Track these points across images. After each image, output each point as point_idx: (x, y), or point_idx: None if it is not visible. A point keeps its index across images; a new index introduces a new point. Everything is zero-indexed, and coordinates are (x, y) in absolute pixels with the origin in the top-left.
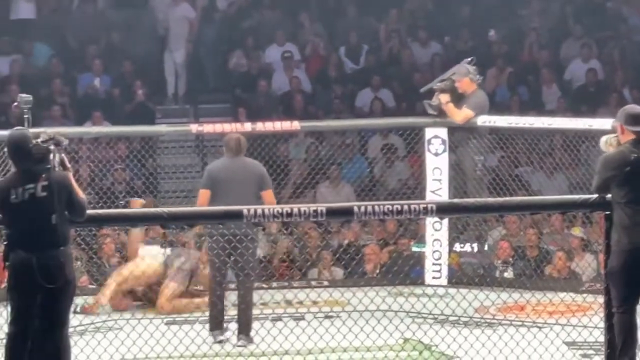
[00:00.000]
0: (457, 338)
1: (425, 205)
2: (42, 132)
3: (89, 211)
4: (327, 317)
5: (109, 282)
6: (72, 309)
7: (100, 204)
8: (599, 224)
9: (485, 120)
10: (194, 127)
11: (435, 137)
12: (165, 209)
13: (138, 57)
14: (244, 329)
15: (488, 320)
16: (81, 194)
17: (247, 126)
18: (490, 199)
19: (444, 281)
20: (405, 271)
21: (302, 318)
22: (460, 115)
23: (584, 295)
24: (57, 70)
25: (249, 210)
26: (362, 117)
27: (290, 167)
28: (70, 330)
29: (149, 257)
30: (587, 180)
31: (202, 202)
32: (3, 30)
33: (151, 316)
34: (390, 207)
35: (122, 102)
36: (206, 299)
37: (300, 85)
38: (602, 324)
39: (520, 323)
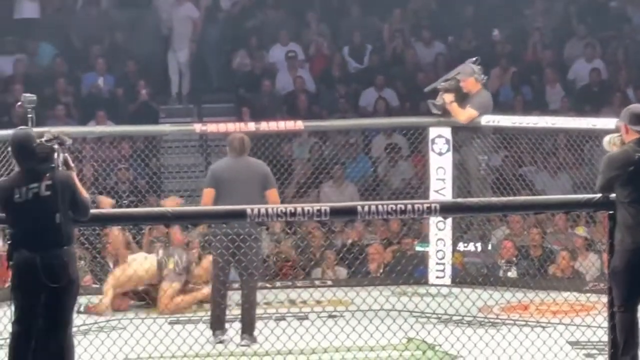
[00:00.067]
0: (460, 338)
1: (429, 205)
2: (46, 132)
3: (93, 210)
4: (330, 316)
5: (105, 288)
6: (75, 308)
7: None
8: (602, 223)
9: (489, 119)
10: (198, 127)
11: (439, 137)
12: (169, 208)
13: (142, 57)
14: (248, 329)
15: (492, 320)
16: (85, 194)
17: (251, 126)
18: (494, 199)
19: (447, 281)
20: (408, 271)
21: (306, 317)
22: (464, 115)
23: (588, 294)
24: (61, 69)
25: (252, 209)
26: (366, 116)
27: (293, 167)
28: (74, 329)
29: (142, 258)
30: (590, 179)
31: (207, 202)
32: (7, 29)
33: (154, 316)
34: (393, 207)
35: (125, 102)
36: (204, 291)
37: (304, 85)
38: (605, 324)
39: (523, 323)
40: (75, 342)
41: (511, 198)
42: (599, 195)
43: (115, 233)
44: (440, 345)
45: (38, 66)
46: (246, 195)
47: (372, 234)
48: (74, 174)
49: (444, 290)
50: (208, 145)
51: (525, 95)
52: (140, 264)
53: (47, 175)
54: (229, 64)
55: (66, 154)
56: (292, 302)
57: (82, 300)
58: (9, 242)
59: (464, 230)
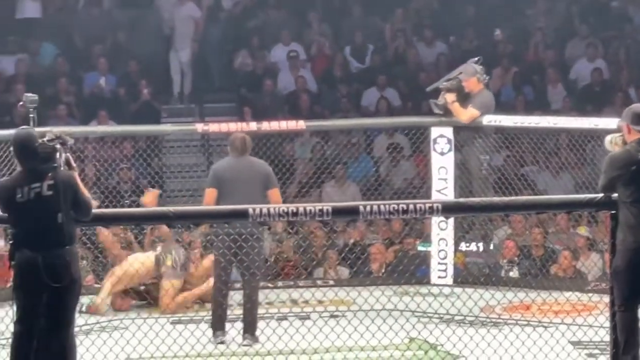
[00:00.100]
0: (462, 337)
1: (430, 205)
2: (48, 132)
3: (95, 210)
4: (332, 316)
5: (104, 284)
6: (77, 308)
7: (105, 203)
8: (604, 223)
9: (491, 119)
10: (200, 127)
11: (441, 137)
12: (172, 208)
13: (144, 57)
14: (250, 328)
15: (494, 320)
16: (87, 194)
17: (253, 125)
18: (496, 199)
19: (449, 280)
20: (410, 270)
21: (308, 317)
22: (465, 114)
23: (590, 294)
24: (63, 69)
25: (254, 209)
26: (368, 116)
27: (295, 167)
28: (76, 329)
29: (140, 256)
30: (592, 179)
31: (209, 202)
32: (9, 29)
33: (157, 315)
34: (396, 207)
35: (127, 102)
36: (203, 287)
37: (306, 84)
38: (607, 324)
39: (525, 322)
40: (77, 342)
41: (513, 198)
42: (600, 195)
43: (105, 233)
44: (442, 345)
45: (40, 66)
46: (248, 195)
47: (374, 234)
48: (76, 174)
49: (446, 290)
50: (210, 145)
51: (527, 95)
52: (138, 263)
53: (49, 175)
54: (231, 63)
55: (68, 154)
56: (294, 302)
57: (84, 300)
58: (10, 241)
59: (466, 230)
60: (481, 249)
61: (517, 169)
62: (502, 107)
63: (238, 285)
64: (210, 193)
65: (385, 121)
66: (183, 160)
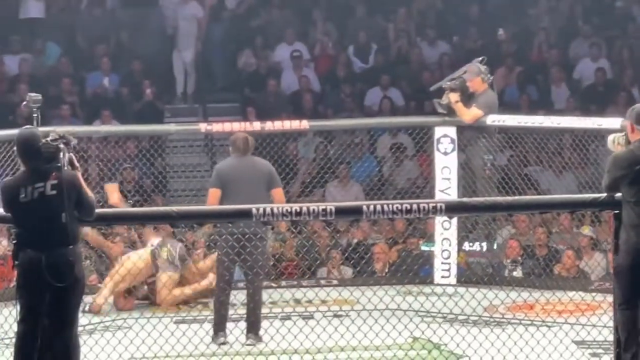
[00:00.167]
0: (466, 337)
1: (434, 204)
2: (52, 131)
3: (98, 210)
4: (336, 316)
5: (107, 284)
6: (81, 307)
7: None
8: (608, 223)
9: (495, 119)
10: (203, 126)
11: (445, 136)
12: (175, 208)
13: (147, 57)
14: (253, 328)
15: (497, 319)
16: (90, 193)
17: (256, 125)
18: (499, 198)
19: (453, 280)
20: (414, 270)
21: (311, 317)
22: (469, 114)
23: (593, 294)
24: (66, 69)
25: (258, 209)
26: (371, 116)
27: (299, 167)
28: (80, 329)
29: (139, 252)
30: (596, 179)
31: (212, 202)
32: (12, 29)
33: (160, 315)
34: (399, 206)
35: (131, 101)
36: (204, 283)
37: (309, 84)
38: (611, 323)
39: (529, 322)
40: (81, 341)
41: (516, 197)
42: (604, 194)
43: (90, 234)
44: (445, 345)
45: (43, 66)
46: (251, 194)
47: (377, 234)
48: (79, 174)
49: (450, 290)
50: (213, 144)
51: (531, 95)
52: (140, 261)
53: (53, 174)
54: (234, 63)
55: (71, 154)
56: (298, 302)
57: (87, 299)
58: (14, 241)
59: (469, 229)
60: (484, 248)
61: (520, 168)
62: (505, 106)
63: (241, 284)
64: (214, 193)
65: (389, 121)
66: (186, 160)
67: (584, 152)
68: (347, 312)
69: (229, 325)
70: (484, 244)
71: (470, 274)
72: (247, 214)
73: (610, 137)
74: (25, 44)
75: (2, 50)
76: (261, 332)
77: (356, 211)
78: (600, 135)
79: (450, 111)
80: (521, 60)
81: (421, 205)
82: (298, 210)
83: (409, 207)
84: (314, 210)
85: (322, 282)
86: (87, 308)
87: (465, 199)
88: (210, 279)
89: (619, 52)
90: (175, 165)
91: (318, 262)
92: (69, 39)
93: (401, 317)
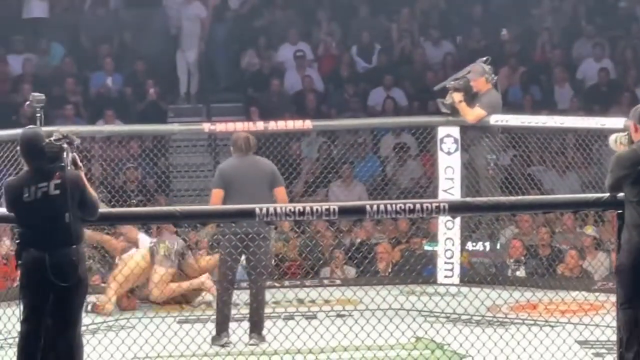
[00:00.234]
0: (469, 337)
1: (437, 204)
2: (55, 131)
3: (101, 210)
4: (339, 315)
5: (111, 284)
6: (84, 307)
7: (112, 203)
8: (611, 222)
9: (498, 119)
10: (206, 126)
11: (448, 136)
12: (178, 208)
13: (150, 57)
14: (256, 328)
15: (500, 319)
16: (93, 193)
17: (260, 125)
18: (503, 198)
19: (456, 280)
20: (417, 270)
21: (315, 317)
22: (472, 114)
23: (596, 294)
24: (70, 69)
25: (261, 209)
26: (375, 116)
27: (302, 166)
28: (83, 328)
29: (138, 252)
30: (599, 179)
31: (216, 203)
32: (15, 29)
33: (163, 315)
34: (402, 206)
35: (134, 101)
36: (201, 279)
37: (313, 84)
38: (614, 323)
39: (532, 322)
40: (84, 341)
41: (520, 197)
42: (607, 194)
43: (88, 233)
44: (448, 345)
45: (47, 65)
46: (254, 194)
47: (380, 233)
48: (83, 174)
49: (453, 290)
50: (217, 144)
51: (534, 95)
52: (142, 260)
53: (56, 174)
54: (238, 63)
55: (75, 154)
56: (301, 301)
57: (90, 299)
58: (17, 241)
59: (472, 229)
60: (488, 248)
61: (523, 168)
62: (509, 106)
63: (244, 284)
64: (217, 194)
65: (392, 121)
66: (190, 160)
67: (587, 152)
68: (350, 312)
69: (232, 325)
70: (487, 244)
71: (474, 274)
72: (250, 214)
73: (612, 137)
74: (29, 43)
75: (5, 50)
76: (264, 332)
77: (359, 211)
78: (603, 135)
79: (454, 111)
80: (524, 61)
81: (424, 205)
82: (301, 210)
83: (412, 206)
84: (317, 210)
85: (325, 281)
86: (89, 308)
87: (468, 199)
88: (203, 278)
89: (622, 52)
90: (179, 165)
91: (321, 261)
92: (73, 39)
93: (404, 317)
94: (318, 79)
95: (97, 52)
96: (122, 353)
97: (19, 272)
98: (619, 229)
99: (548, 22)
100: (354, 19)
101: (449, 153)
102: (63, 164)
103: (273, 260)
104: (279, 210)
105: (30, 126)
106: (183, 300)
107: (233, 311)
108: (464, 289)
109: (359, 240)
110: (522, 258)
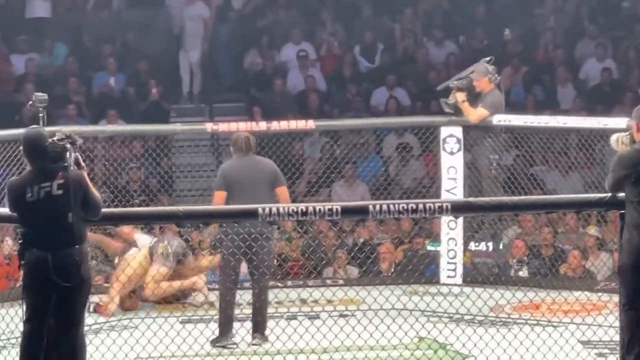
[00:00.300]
0: (472, 337)
1: (440, 204)
2: (58, 131)
3: (104, 210)
4: (342, 315)
5: (114, 286)
6: (87, 307)
7: (115, 203)
8: (614, 222)
9: (501, 119)
10: (209, 126)
11: (451, 136)
12: (181, 208)
13: (153, 56)
14: (259, 328)
15: (503, 319)
16: (96, 193)
17: (262, 125)
18: (505, 198)
19: (459, 280)
20: (420, 270)
21: (317, 317)
22: (475, 114)
23: (599, 294)
24: (73, 69)
25: (264, 209)
26: (377, 116)
27: (305, 166)
28: (86, 328)
29: (140, 252)
30: (602, 179)
31: (219, 204)
32: (18, 29)
33: (166, 315)
34: (405, 206)
35: (137, 101)
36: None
37: (316, 84)
38: (617, 323)
39: (535, 322)
40: (87, 341)
41: (522, 197)
42: (610, 194)
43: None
44: (451, 345)
45: (50, 65)
46: (257, 194)
47: (383, 233)
48: (86, 174)
49: (455, 290)
50: (219, 144)
51: (537, 95)
52: (140, 260)
53: (59, 174)
54: (241, 63)
55: (77, 153)
56: (304, 301)
57: (93, 299)
58: (20, 241)
59: (475, 229)
60: (490, 248)
61: (526, 168)
62: (512, 106)
63: (247, 284)
64: (220, 195)
65: (395, 121)
66: (192, 159)
67: (590, 152)
68: (353, 312)
69: (235, 325)
70: (490, 244)
71: (476, 274)
72: (253, 214)
73: (614, 137)
74: (32, 43)
75: (8, 50)
76: (267, 332)
77: (362, 211)
78: (606, 135)
79: (457, 111)
80: (527, 61)
81: (427, 205)
82: (304, 210)
83: (415, 206)
84: (320, 210)
85: (328, 281)
86: (91, 308)
87: (471, 199)
88: (195, 278)
89: (625, 52)
90: (182, 165)
91: (324, 261)
92: (76, 38)
93: (407, 317)
94: (321, 79)
95: (100, 52)
96: (125, 353)
97: (21, 272)
98: (622, 229)
99: (551, 22)
100: (357, 19)
101: (451, 153)
102: (66, 164)
103: (276, 260)
104: (281, 210)
105: (33, 126)
106: (173, 299)
107: (236, 311)
108: (467, 289)
109: (361, 240)
110: (525, 258)
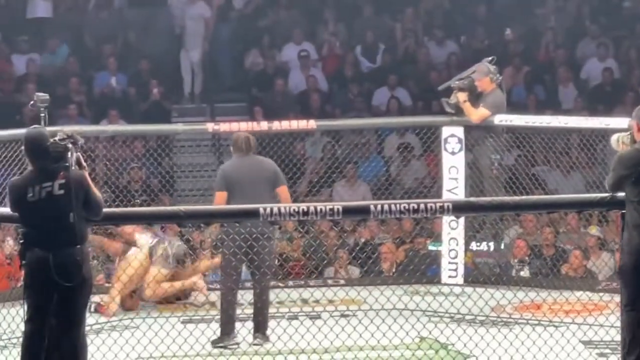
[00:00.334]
0: (473, 337)
1: (441, 204)
2: (59, 131)
3: (105, 209)
4: (343, 315)
5: (115, 285)
6: (88, 307)
7: (116, 203)
8: (615, 222)
9: (502, 119)
10: (211, 126)
11: (452, 136)
12: (182, 207)
13: (154, 56)
14: (261, 328)
15: (504, 319)
16: (98, 193)
17: (264, 125)
18: (507, 198)
19: (460, 280)
20: (421, 270)
21: (319, 317)
22: (476, 114)
23: (601, 294)
24: (74, 69)
25: (265, 208)
26: (379, 116)
27: (306, 166)
28: (87, 328)
29: (141, 252)
30: (603, 179)
31: (219, 204)
32: (19, 29)
33: (167, 315)
34: (406, 206)
35: (138, 101)
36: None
37: (317, 84)
38: (618, 323)
39: (536, 322)
40: (88, 341)
41: (524, 197)
42: (611, 194)
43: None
44: (453, 345)
45: (51, 65)
46: (257, 194)
47: (384, 233)
48: (87, 173)
49: (457, 290)
50: (221, 144)
51: (538, 95)
52: (142, 260)
53: (61, 174)
54: (242, 63)
55: (79, 153)
56: (305, 301)
57: (94, 299)
58: (21, 241)
59: (476, 229)
60: (492, 248)
61: (528, 168)
62: (513, 106)
63: (248, 284)
64: (220, 196)
65: (396, 121)
66: (194, 159)
67: (591, 152)
68: (354, 312)
69: (236, 325)
70: (491, 244)
71: (478, 274)
72: (254, 214)
73: (614, 137)
74: (33, 43)
75: (9, 50)
76: (268, 332)
77: (364, 211)
78: (607, 135)
79: (459, 111)
80: (528, 60)
81: (428, 205)
82: (305, 210)
83: (416, 206)
84: (321, 210)
85: (330, 281)
86: (92, 308)
87: (472, 199)
88: (195, 278)
89: (627, 52)
90: (183, 165)
91: (325, 261)
92: (77, 38)
93: (408, 317)
94: (322, 79)
95: (101, 52)
96: (126, 353)
97: (22, 272)
98: (623, 229)
99: (552, 22)
100: (358, 19)
101: (453, 153)
102: (67, 164)
103: (277, 260)
104: (283, 210)
105: (35, 126)
106: (174, 299)
107: (237, 311)
108: (468, 289)
109: (363, 240)
110: (526, 258)
